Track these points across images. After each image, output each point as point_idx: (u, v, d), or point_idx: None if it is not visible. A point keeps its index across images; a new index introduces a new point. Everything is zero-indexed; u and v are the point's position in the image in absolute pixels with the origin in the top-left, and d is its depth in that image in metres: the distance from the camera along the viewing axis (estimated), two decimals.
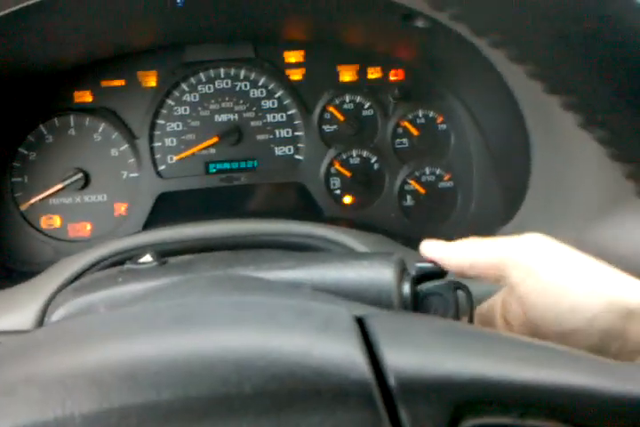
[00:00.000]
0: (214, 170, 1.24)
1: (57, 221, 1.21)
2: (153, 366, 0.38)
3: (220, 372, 0.37)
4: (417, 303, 0.63)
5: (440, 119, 1.23)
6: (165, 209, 1.22)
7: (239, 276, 0.62)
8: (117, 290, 0.66)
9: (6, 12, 0.84)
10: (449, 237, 1.16)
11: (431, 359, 0.39)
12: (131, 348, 0.39)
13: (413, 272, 0.64)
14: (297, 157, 1.25)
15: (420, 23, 0.91)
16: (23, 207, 1.21)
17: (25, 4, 0.85)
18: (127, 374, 0.37)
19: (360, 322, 0.44)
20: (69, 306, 0.66)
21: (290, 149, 1.25)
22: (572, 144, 0.83)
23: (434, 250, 0.65)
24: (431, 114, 1.23)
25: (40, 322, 0.84)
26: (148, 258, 0.81)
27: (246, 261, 0.69)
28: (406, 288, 0.63)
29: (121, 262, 0.92)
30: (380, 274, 0.64)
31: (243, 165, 1.24)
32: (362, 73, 1.24)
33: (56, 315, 0.66)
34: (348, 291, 0.63)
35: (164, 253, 0.86)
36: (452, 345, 0.41)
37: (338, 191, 1.24)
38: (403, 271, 0.65)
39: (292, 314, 0.43)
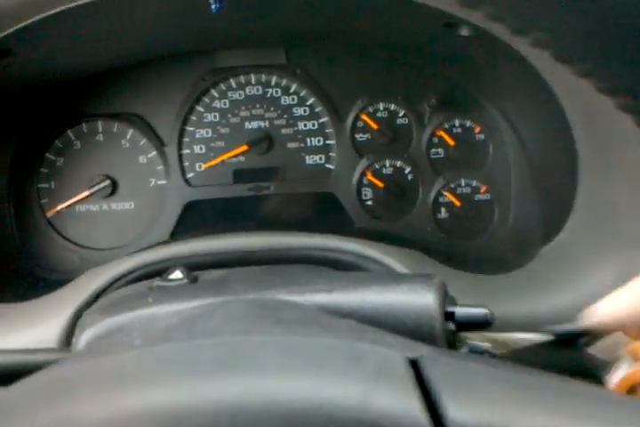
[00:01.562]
0: (242, 179, 1.21)
1: (83, 228, 1.19)
2: (196, 418, 0.35)
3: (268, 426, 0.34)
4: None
5: (478, 129, 1.19)
6: (193, 218, 1.19)
7: (277, 302, 0.59)
8: (148, 311, 0.64)
9: (41, 16, 0.82)
10: (482, 251, 1.14)
11: (497, 416, 0.35)
12: (172, 396, 0.36)
13: (455, 310, 0.61)
14: (328, 166, 1.21)
15: (463, 31, 0.87)
16: (49, 214, 1.19)
17: (59, 9, 0.82)
18: (168, 425, 0.34)
19: (414, 364, 0.41)
20: (98, 327, 0.64)
21: (321, 158, 1.21)
22: (623, 165, 0.78)
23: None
24: (468, 123, 1.19)
25: (66, 340, 0.82)
26: (178, 274, 0.78)
27: (280, 282, 0.66)
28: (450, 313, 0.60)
29: (149, 276, 0.90)
30: (421, 299, 0.61)
31: (272, 173, 1.21)
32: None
33: (85, 336, 0.64)
34: (388, 317, 0.60)
35: (194, 266, 0.83)
36: (519, 399, 0.38)
37: (370, 202, 1.20)
38: (445, 296, 0.62)
39: (342, 359, 0.40)
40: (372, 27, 1.06)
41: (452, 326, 0.62)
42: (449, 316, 0.61)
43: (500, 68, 1.01)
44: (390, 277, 0.68)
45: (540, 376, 0.44)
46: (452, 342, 0.61)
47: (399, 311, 0.60)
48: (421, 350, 0.44)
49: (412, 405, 0.36)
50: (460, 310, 0.62)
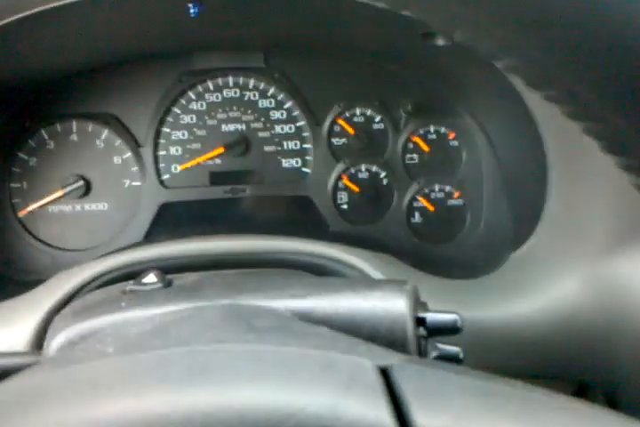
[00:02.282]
0: (219, 181, 1.21)
1: (56, 229, 1.18)
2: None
3: None
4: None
5: (452, 135, 1.21)
6: (167, 220, 1.19)
7: (251, 308, 0.59)
8: (121, 316, 0.64)
9: (13, 18, 0.81)
10: (454, 256, 1.16)
11: (463, 424, 0.36)
12: (143, 405, 0.37)
13: (426, 316, 0.62)
14: (304, 169, 1.22)
15: (439, 42, 0.88)
16: (21, 214, 1.17)
17: (33, 11, 0.81)
18: None
19: (384, 373, 0.42)
20: (70, 331, 0.63)
21: (297, 162, 1.22)
22: (592, 172, 0.81)
23: None
24: (443, 130, 1.21)
25: (37, 343, 0.81)
26: (152, 278, 0.78)
27: (254, 287, 0.66)
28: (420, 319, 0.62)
29: (122, 278, 0.90)
30: (393, 305, 0.62)
31: (248, 176, 1.21)
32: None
33: (56, 341, 0.63)
34: (362, 323, 0.61)
35: (168, 269, 0.83)
36: (486, 408, 0.39)
37: (345, 206, 1.21)
38: (416, 302, 0.63)
39: (314, 368, 0.41)
40: (350, 34, 1.07)
41: (423, 331, 0.63)
42: (420, 321, 0.63)
43: (473, 77, 1.03)
44: (364, 284, 0.69)
45: (508, 385, 0.45)
46: (422, 348, 0.62)
47: (372, 317, 0.61)
48: (392, 359, 0.45)
49: (381, 413, 0.37)
50: (431, 316, 0.63)
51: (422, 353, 0.62)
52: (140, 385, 0.38)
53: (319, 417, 0.36)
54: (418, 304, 0.64)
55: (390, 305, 0.62)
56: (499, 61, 0.42)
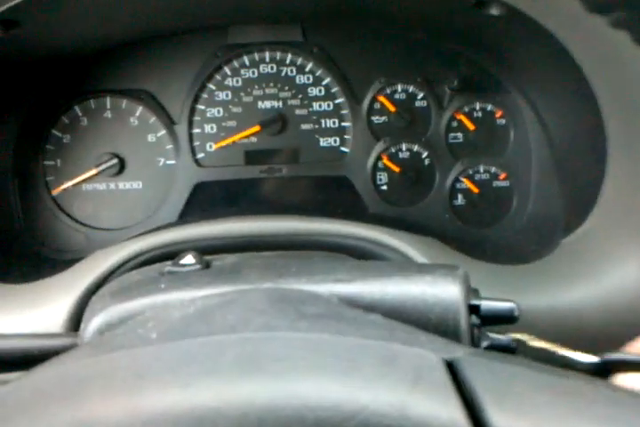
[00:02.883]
0: (255, 160, 1.17)
1: (89, 207, 1.16)
2: (221, 423, 0.32)
3: None
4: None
5: (499, 113, 1.15)
6: (202, 199, 1.16)
7: (297, 293, 0.56)
8: (161, 298, 0.61)
9: None
10: (500, 240, 1.11)
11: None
12: (193, 399, 0.34)
13: (480, 303, 0.59)
14: (343, 149, 1.18)
15: (494, 11, 0.82)
16: (55, 192, 1.16)
17: None
18: None
19: (451, 367, 0.38)
20: (108, 313, 0.61)
21: (336, 141, 1.18)
22: None
23: None
24: (489, 107, 1.15)
25: (73, 323, 0.79)
26: (190, 259, 0.75)
27: (297, 271, 0.63)
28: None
29: (159, 259, 0.87)
30: (445, 292, 0.59)
31: (284, 155, 1.17)
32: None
33: (94, 322, 0.61)
34: (412, 310, 0.58)
35: (205, 250, 0.81)
36: (567, 409, 0.35)
37: (385, 187, 1.17)
38: (468, 288, 0.60)
39: (376, 361, 0.37)
40: (393, 4, 1.02)
41: (476, 320, 0.60)
42: (473, 309, 0.59)
43: (527, 51, 0.97)
44: (412, 268, 0.65)
45: (583, 381, 0.41)
46: (475, 337, 0.59)
47: (423, 304, 0.58)
48: (457, 351, 0.41)
49: (454, 413, 0.33)
50: (486, 304, 0.60)
51: (475, 343, 0.59)
52: (189, 376, 0.35)
53: (385, 416, 0.33)
54: (470, 291, 0.60)
55: (441, 291, 0.59)
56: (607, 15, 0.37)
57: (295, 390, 0.34)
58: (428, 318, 0.57)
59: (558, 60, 0.87)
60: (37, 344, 0.65)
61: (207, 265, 0.74)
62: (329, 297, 0.57)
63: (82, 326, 0.63)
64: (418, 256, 0.85)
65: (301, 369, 0.36)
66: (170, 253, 0.87)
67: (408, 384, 0.35)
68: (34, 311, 0.83)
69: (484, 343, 0.60)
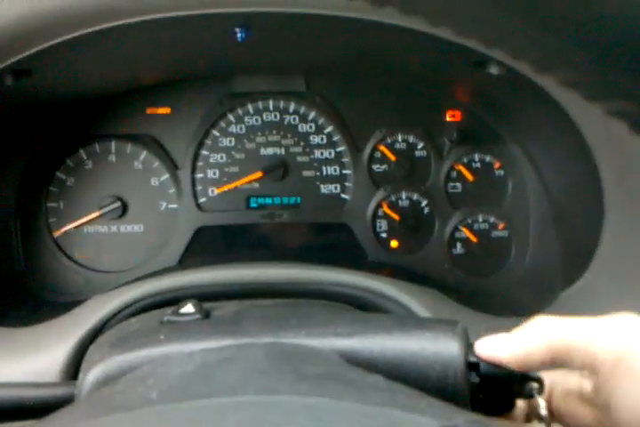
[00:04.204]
0: (255, 205, 1.19)
1: (91, 250, 1.17)
2: None
3: None
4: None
5: (497, 165, 1.17)
6: (203, 243, 1.17)
7: (297, 349, 0.56)
8: (160, 350, 0.61)
9: (62, 39, 0.81)
10: (499, 291, 1.11)
11: None
12: None
13: (479, 361, 0.58)
14: (343, 196, 1.19)
15: (493, 70, 0.85)
16: (56, 234, 1.17)
17: (80, 33, 0.81)
18: None
19: None
20: (107, 364, 0.61)
21: (336, 188, 1.19)
22: None
23: (495, 347, 0.57)
24: (488, 159, 1.17)
25: (70, 370, 0.79)
26: (189, 308, 0.75)
27: (296, 323, 0.63)
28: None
29: (158, 305, 0.87)
30: (445, 348, 0.58)
31: (286, 201, 1.19)
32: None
33: (92, 374, 0.61)
34: (412, 366, 0.58)
35: (204, 296, 0.81)
36: None
37: (384, 235, 1.18)
38: (468, 345, 0.60)
39: None
40: (395, 60, 1.05)
41: (475, 377, 0.59)
42: (473, 366, 0.59)
43: (526, 107, 0.99)
44: (412, 323, 0.65)
45: None
46: (474, 395, 0.58)
47: (423, 361, 0.57)
48: (456, 417, 0.41)
49: None
50: (485, 364, 0.60)
51: (474, 399, 0.58)
52: None
53: None
54: (469, 347, 0.60)
55: (442, 348, 0.58)
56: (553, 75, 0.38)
57: None
58: (427, 376, 0.57)
59: (556, 117, 0.89)
60: (34, 394, 0.65)
61: (207, 315, 0.74)
62: (328, 354, 0.57)
63: (80, 375, 0.63)
64: (418, 308, 0.85)
65: None
66: (169, 299, 0.87)
67: None
68: (31, 357, 0.82)
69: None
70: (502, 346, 0.57)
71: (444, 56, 0.88)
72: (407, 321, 0.71)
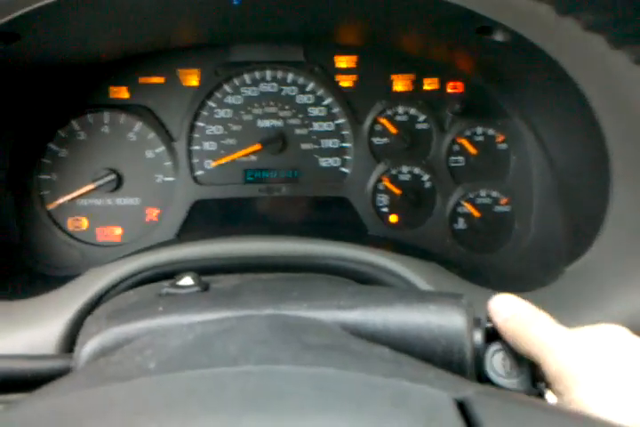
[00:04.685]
0: (252, 178, 1.16)
1: (85, 223, 1.15)
2: None
3: None
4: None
5: (501, 138, 1.15)
6: (200, 217, 1.15)
7: (300, 321, 0.54)
8: (158, 321, 0.59)
9: (47, 2, 0.77)
10: (502, 266, 1.10)
11: None
12: None
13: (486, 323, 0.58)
14: (343, 169, 1.17)
15: (498, 37, 0.82)
16: (50, 207, 1.14)
17: None
18: None
19: (461, 406, 0.37)
20: (104, 336, 0.59)
21: (336, 161, 1.17)
22: None
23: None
24: (491, 132, 1.15)
25: (66, 344, 0.77)
26: (188, 281, 0.74)
27: (297, 295, 0.62)
28: (478, 338, 0.57)
29: (155, 278, 0.86)
30: (450, 322, 0.57)
31: (284, 175, 1.16)
32: (417, 83, 1.16)
33: (89, 346, 0.59)
34: (416, 340, 0.56)
35: (203, 270, 0.79)
36: None
37: (385, 209, 1.16)
38: (473, 319, 0.59)
39: (385, 400, 0.36)
40: (396, 27, 1.01)
41: (480, 340, 0.58)
42: (490, 337, 0.58)
43: (531, 77, 0.96)
44: (416, 296, 0.64)
45: (596, 423, 0.40)
46: (480, 369, 0.57)
47: (428, 335, 0.56)
48: (466, 389, 0.40)
49: None
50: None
51: (479, 374, 0.57)
52: (189, 413, 0.34)
53: None
54: (474, 321, 0.59)
55: (447, 322, 0.57)
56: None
57: None
58: (433, 349, 0.56)
59: (561, 85, 0.87)
60: (30, 366, 0.63)
61: (206, 287, 0.73)
62: (331, 325, 0.56)
63: (76, 348, 0.61)
64: (420, 282, 0.84)
65: (307, 408, 0.34)
66: (167, 273, 0.85)
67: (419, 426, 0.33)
68: (27, 330, 0.80)
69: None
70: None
71: (447, 22, 0.84)
72: (411, 294, 0.69)
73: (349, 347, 0.47)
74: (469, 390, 0.40)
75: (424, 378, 0.41)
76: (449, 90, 1.16)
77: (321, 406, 0.34)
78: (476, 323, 0.59)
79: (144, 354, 0.47)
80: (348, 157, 1.17)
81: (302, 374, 0.38)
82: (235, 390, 0.36)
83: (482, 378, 0.56)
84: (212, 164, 1.16)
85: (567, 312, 0.80)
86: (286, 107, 1.17)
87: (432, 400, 0.36)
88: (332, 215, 1.15)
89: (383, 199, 1.16)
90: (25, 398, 0.43)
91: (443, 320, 0.57)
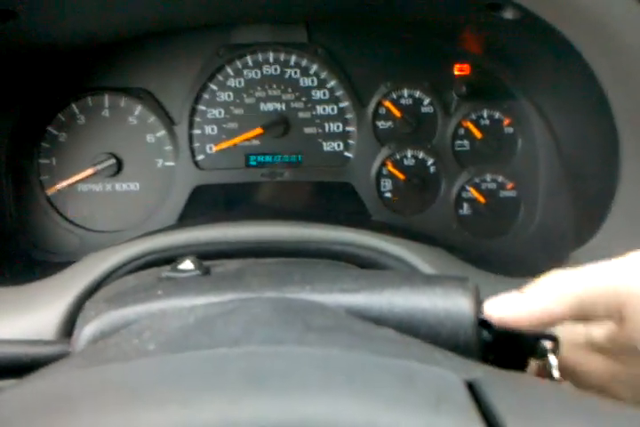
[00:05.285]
0: (255, 163, 1.14)
1: (85, 208, 1.13)
2: None
3: None
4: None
5: (507, 121, 1.13)
6: (201, 203, 1.13)
7: (302, 303, 0.53)
8: (157, 305, 0.58)
9: None
10: (507, 251, 1.09)
11: None
12: (194, 418, 0.31)
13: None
14: (346, 154, 1.15)
15: (508, 14, 0.80)
16: (49, 192, 1.13)
17: None
18: None
19: (471, 387, 0.36)
20: (102, 320, 0.58)
21: (339, 145, 1.15)
22: None
23: (507, 307, 0.54)
24: (497, 115, 1.13)
25: (65, 329, 0.76)
26: (189, 265, 0.72)
27: (300, 279, 0.60)
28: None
29: (156, 263, 0.84)
30: (456, 305, 0.56)
31: (287, 159, 1.14)
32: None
33: (88, 329, 0.58)
34: (421, 323, 0.55)
35: (204, 255, 0.78)
36: None
37: (388, 194, 1.14)
38: (480, 302, 0.57)
39: (393, 381, 0.34)
40: (402, 6, 0.99)
41: (488, 336, 0.57)
42: (485, 324, 0.57)
43: (540, 58, 0.94)
44: (420, 279, 0.62)
45: (607, 403, 0.38)
46: (486, 354, 0.56)
47: (433, 318, 0.55)
48: (475, 370, 0.39)
49: None
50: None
51: (485, 358, 0.56)
52: (189, 393, 0.32)
53: None
54: (480, 305, 0.58)
55: (452, 305, 0.56)
56: None
57: (306, 412, 0.31)
58: (437, 333, 0.54)
59: (571, 66, 0.85)
60: (28, 351, 0.62)
61: (207, 271, 0.71)
62: (335, 308, 0.55)
63: (74, 333, 0.60)
64: (424, 266, 0.82)
65: (313, 388, 0.33)
66: (167, 258, 0.84)
67: (430, 408, 0.32)
68: (24, 315, 0.79)
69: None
70: (515, 305, 0.54)
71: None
72: (416, 277, 0.68)
73: (355, 328, 0.45)
74: (478, 371, 0.39)
75: (433, 359, 0.40)
76: (455, 72, 1.13)
77: (327, 385, 0.33)
78: (482, 306, 0.58)
79: (142, 336, 0.45)
80: (351, 141, 1.15)
81: (307, 355, 0.37)
82: (237, 369, 0.35)
83: (487, 361, 0.55)
84: (214, 148, 1.15)
85: None
86: (289, 90, 1.15)
87: (442, 381, 0.35)
88: (336, 200, 1.14)
89: (387, 184, 1.14)
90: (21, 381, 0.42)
91: (448, 303, 0.56)
